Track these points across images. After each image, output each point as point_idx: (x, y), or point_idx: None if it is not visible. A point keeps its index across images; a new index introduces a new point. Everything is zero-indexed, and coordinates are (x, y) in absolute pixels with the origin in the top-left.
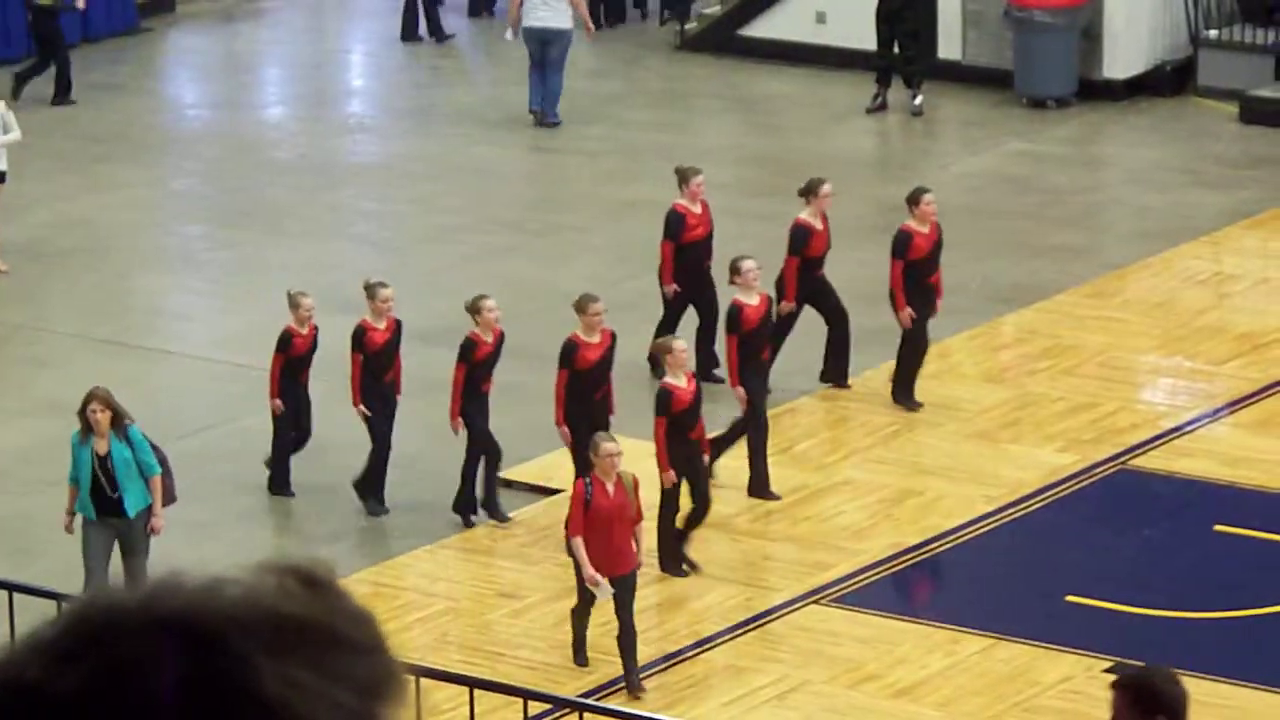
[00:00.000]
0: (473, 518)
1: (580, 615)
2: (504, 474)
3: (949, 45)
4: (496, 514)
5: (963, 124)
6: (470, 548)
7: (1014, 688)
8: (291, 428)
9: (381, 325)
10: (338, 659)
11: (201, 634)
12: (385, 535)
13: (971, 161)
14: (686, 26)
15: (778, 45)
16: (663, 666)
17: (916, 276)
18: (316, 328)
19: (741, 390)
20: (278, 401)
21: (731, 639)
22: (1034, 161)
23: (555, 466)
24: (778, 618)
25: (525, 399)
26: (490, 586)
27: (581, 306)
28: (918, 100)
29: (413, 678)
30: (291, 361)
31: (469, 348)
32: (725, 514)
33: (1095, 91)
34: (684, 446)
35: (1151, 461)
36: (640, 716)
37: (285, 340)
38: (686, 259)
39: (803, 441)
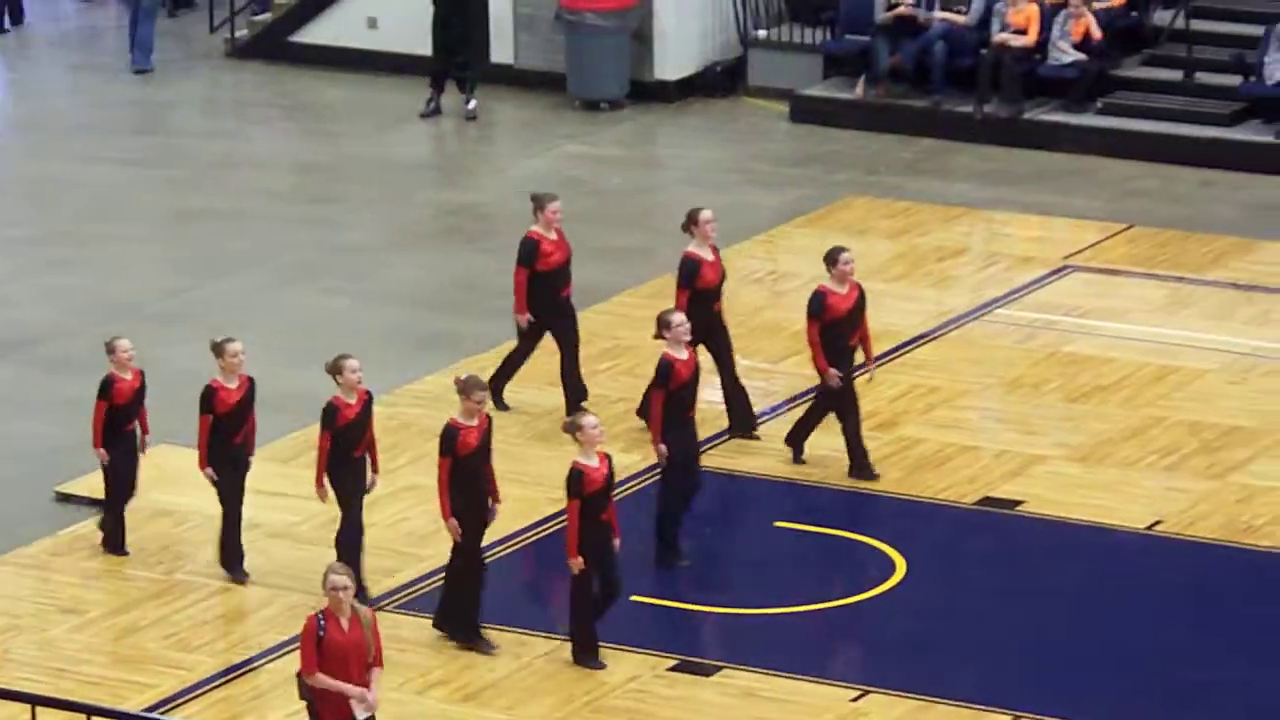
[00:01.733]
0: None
1: None
2: (61, 487)
3: (501, 49)
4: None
5: (518, 127)
6: (29, 564)
7: (582, 689)
8: (121, 479)
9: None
10: None
11: None
12: None
13: (528, 165)
14: (238, 34)
15: (330, 51)
16: (227, 678)
17: (835, 337)
18: (142, 372)
19: (664, 448)
20: (102, 451)
21: (296, 648)
22: (590, 163)
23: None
24: None
25: (79, 411)
26: (51, 602)
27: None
28: (471, 104)
29: None
30: (115, 410)
31: (332, 413)
32: (289, 521)
33: (648, 93)
34: (594, 530)
35: (712, 459)
36: None
37: (106, 386)
38: (542, 287)
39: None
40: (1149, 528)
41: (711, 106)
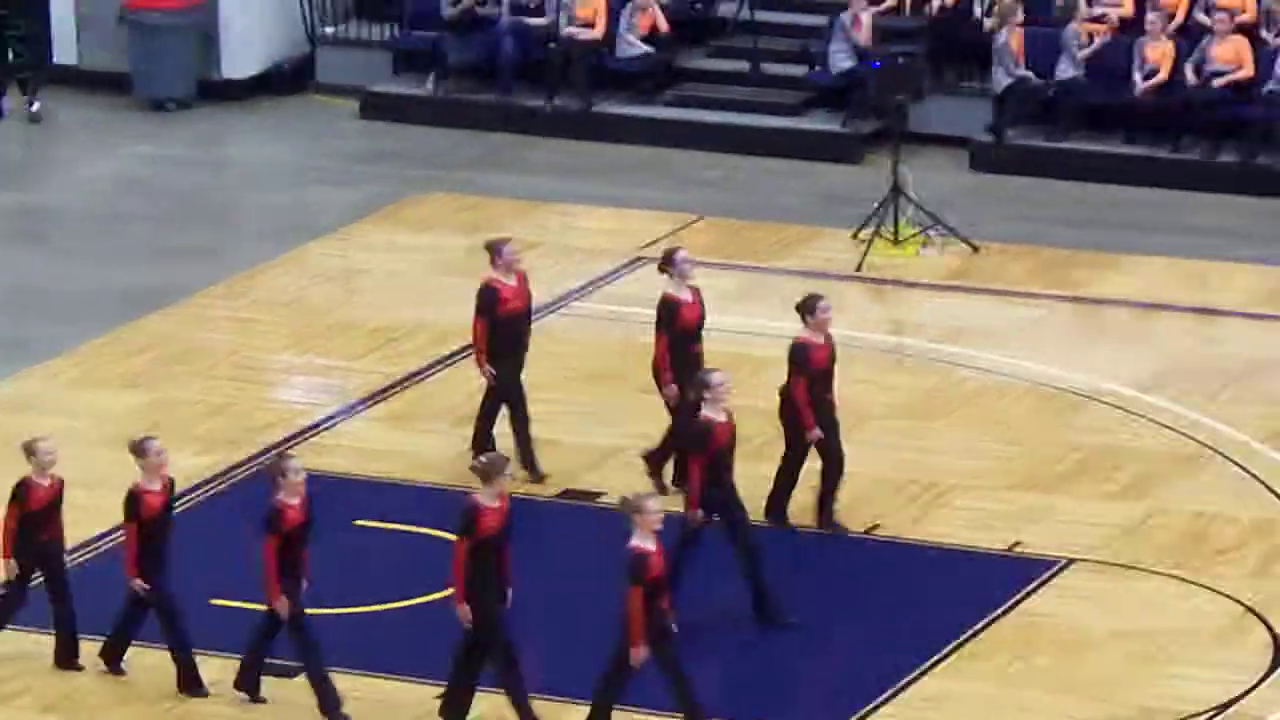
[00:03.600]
0: None
1: None
2: None
3: (64, 49)
4: None
5: (84, 128)
6: None
7: (166, 695)
8: (20, 591)
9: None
10: None
11: None
12: None
13: (95, 166)
14: None
15: None
16: None
17: (818, 390)
18: (61, 480)
19: (699, 514)
20: (12, 562)
21: None
22: (158, 164)
23: None
24: None
25: None
26: None
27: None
28: (35, 106)
29: None
30: (28, 516)
31: (275, 516)
32: None
33: (216, 92)
34: (655, 619)
35: None
36: None
37: (21, 492)
38: (503, 336)
39: None
40: None
41: (281, 105)
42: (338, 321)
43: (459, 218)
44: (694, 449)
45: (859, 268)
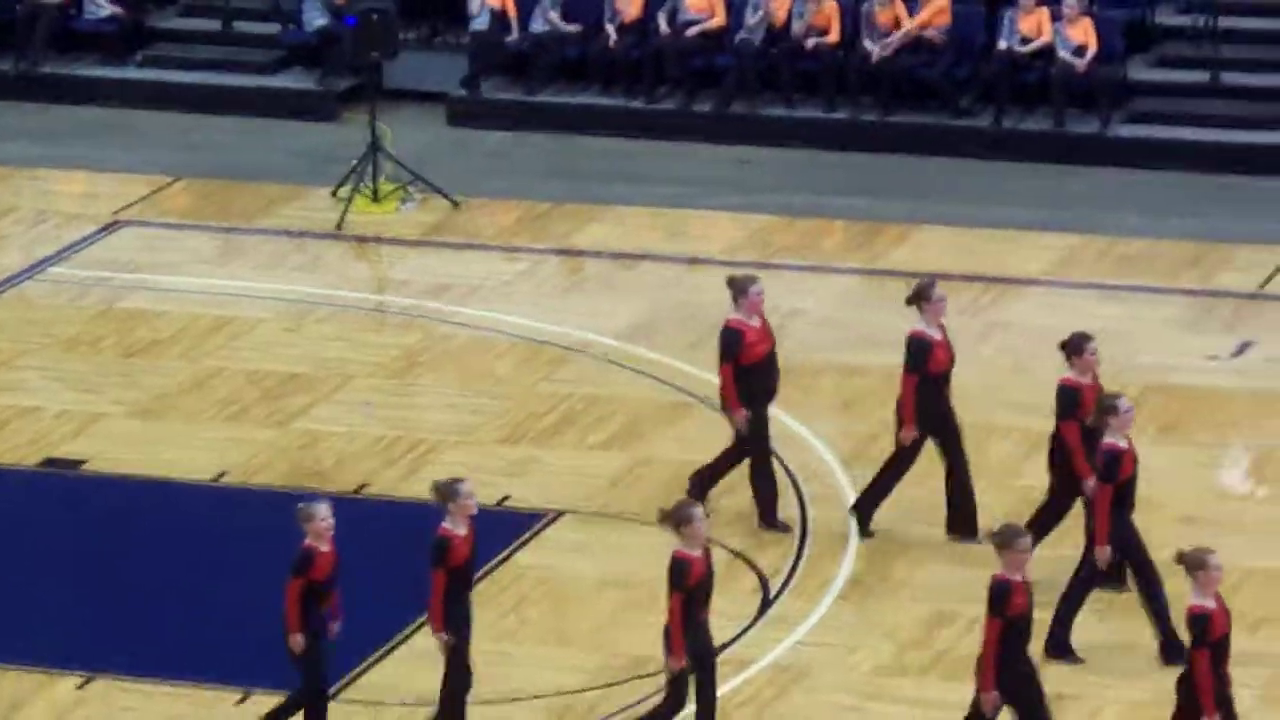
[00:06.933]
0: None
1: None
2: None
3: None
4: None
5: None
6: None
7: None
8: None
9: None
10: None
11: None
12: None
13: None
14: None
15: None
16: None
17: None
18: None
19: (1108, 552)
20: (299, 637)
21: None
22: None
23: None
24: None
25: None
26: None
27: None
28: None
29: None
30: (313, 587)
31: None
32: None
33: None
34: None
35: None
36: None
37: (305, 561)
38: (749, 384)
39: None
40: (215, 479)
41: None
42: None
43: None
44: (1103, 479)
45: (339, 226)
